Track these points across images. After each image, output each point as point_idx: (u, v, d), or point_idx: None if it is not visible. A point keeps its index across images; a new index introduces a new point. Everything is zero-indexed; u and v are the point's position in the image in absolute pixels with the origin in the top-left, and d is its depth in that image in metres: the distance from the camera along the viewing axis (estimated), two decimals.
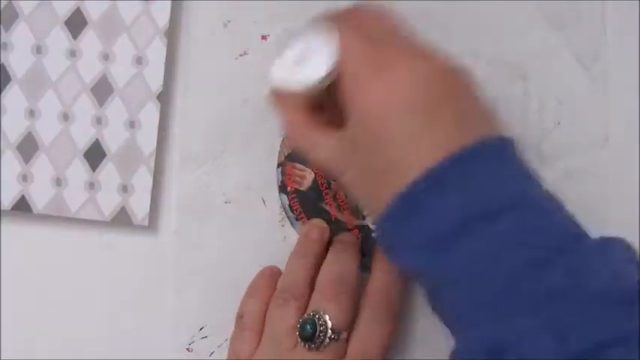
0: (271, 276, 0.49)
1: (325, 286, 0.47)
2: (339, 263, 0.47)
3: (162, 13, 0.50)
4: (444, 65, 0.40)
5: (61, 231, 0.50)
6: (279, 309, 0.46)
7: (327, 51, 0.40)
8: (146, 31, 0.50)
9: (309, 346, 0.45)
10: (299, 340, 0.45)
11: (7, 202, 0.48)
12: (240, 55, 0.51)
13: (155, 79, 0.50)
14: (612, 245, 0.38)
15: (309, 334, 0.44)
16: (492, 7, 0.52)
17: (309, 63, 0.41)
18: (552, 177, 0.51)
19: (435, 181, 0.37)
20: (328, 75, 0.40)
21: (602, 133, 0.52)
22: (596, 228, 0.51)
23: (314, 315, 0.45)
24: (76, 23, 0.49)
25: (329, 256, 0.48)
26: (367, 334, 0.46)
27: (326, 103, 0.42)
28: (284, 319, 0.46)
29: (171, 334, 0.50)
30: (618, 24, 0.52)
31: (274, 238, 0.51)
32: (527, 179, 0.39)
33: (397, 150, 0.38)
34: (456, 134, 0.38)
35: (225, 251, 0.51)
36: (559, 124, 0.52)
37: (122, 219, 0.49)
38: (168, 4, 0.50)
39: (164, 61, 0.50)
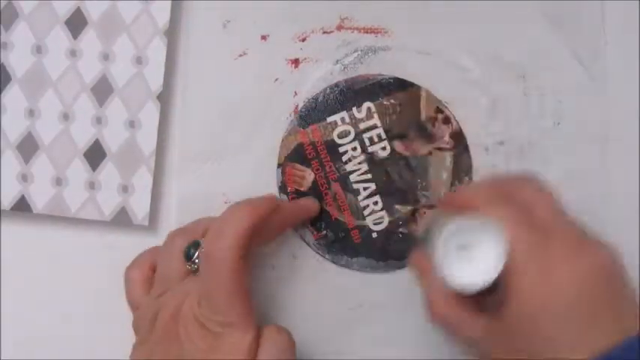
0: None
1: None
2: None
3: (162, 13, 0.50)
4: (606, 261, 0.40)
5: (61, 231, 0.50)
6: (164, 247, 0.46)
7: (495, 245, 0.39)
8: (146, 31, 0.50)
9: (191, 267, 0.44)
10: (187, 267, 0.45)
11: (7, 202, 0.48)
12: (240, 56, 0.51)
13: (155, 79, 0.50)
14: None
15: (190, 254, 0.44)
16: (492, 7, 0.52)
17: (477, 260, 0.39)
18: (552, 177, 0.51)
19: None
20: (499, 273, 0.39)
21: (602, 132, 0.52)
22: (596, 228, 0.51)
23: (199, 241, 0.45)
24: (76, 23, 0.49)
25: None
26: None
27: None
28: (169, 255, 0.46)
29: None
30: (618, 23, 0.52)
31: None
32: None
33: (558, 344, 0.38)
34: (615, 334, 0.38)
35: None
36: (559, 123, 0.51)
37: (122, 219, 0.49)
38: (169, 4, 0.50)
39: (164, 61, 0.50)
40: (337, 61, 0.52)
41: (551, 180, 0.50)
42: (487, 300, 0.41)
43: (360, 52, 0.52)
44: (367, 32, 0.52)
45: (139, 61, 0.50)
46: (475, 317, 0.41)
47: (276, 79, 0.51)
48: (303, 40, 0.51)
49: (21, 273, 0.50)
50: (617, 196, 0.51)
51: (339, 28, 0.52)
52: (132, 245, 0.49)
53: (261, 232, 0.45)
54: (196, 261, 0.44)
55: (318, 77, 0.51)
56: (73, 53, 0.49)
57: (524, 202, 0.41)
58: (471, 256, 0.39)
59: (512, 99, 0.52)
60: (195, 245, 0.45)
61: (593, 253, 0.40)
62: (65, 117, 0.49)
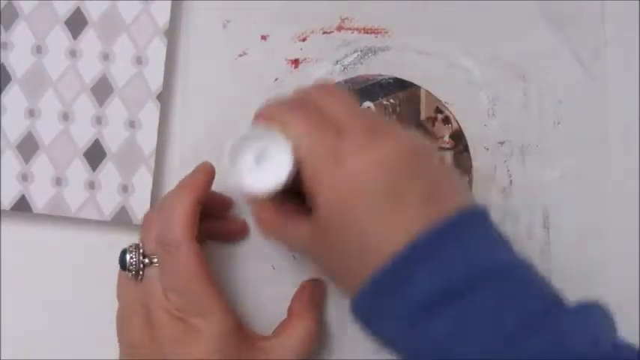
0: None
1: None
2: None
3: (162, 13, 0.50)
4: (403, 145, 0.40)
5: (61, 231, 0.50)
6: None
7: (283, 150, 0.40)
8: (146, 31, 0.50)
9: (132, 275, 0.44)
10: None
11: (7, 202, 0.48)
12: (240, 56, 0.51)
13: (155, 78, 0.50)
14: (591, 310, 0.38)
15: (123, 263, 0.44)
16: (492, 7, 0.52)
17: (268, 166, 0.41)
18: (552, 177, 0.51)
19: (417, 253, 0.37)
20: (289, 175, 0.40)
21: (601, 132, 0.52)
22: (596, 228, 0.51)
23: (130, 245, 0.45)
24: (76, 23, 0.49)
25: None
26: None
27: (291, 189, 0.42)
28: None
29: None
30: (618, 24, 0.52)
31: None
32: (501, 247, 0.39)
33: (367, 234, 0.39)
34: (425, 211, 0.38)
35: (225, 251, 0.51)
36: (559, 123, 0.52)
37: (122, 218, 0.49)
38: (169, 4, 0.50)
39: (164, 60, 0.50)
40: (337, 62, 0.52)
41: (551, 180, 0.51)
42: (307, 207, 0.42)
43: (360, 53, 0.52)
44: (367, 32, 0.52)
45: (138, 61, 0.50)
46: (298, 222, 0.42)
47: (276, 79, 0.51)
48: (303, 40, 0.52)
49: (21, 273, 0.50)
50: (617, 196, 0.51)
51: (339, 28, 0.52)
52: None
53: (208, 205, 0.46)
54: (132, 267, 0.44)
55: (318, 77, 0.52)
56: (73, 53, 0.49)
57: (315, 105, 0.41)
58: (265, 164, 0.41)
59: (512, 99, 0.52)
60: (124, 251, 0.44)
61: (387, 140, 0.40)
62: (65, 117, 0.49)
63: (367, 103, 0.51)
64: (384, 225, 0.38)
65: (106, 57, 0.49)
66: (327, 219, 0.40)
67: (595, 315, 0.38)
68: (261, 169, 0.41)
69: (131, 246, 0.44)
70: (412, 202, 0.38)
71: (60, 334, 0.49)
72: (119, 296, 0.46)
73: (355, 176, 0.39)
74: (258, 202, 0.44)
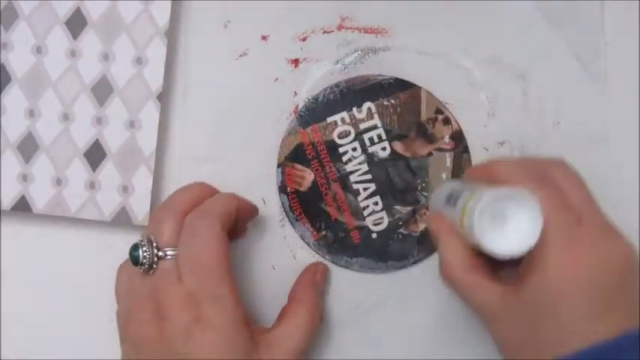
0: None
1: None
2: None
3: (162, 13, 0.50)
4: (630, 253, 0.41)
5: (61, 231, 0.50)
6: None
7: (532, 213, 0.40)
8: (146, 31, 0.50)
9: (144, 270, 0.44)
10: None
11: (7, 202, 0.48)
12: (240, 56, 0.51)
13: (155, 79, 0.50)
14: None
15: (135, 257, 0.44)
16: (492, 7, 0.52)
17: (515, 227, 0.40)
18: None
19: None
20: (537, 239, 0.40)
21: (601, 132, 0.52)
22: None
23: (140, 240, 0.44)
24: (76, 23, 0.49)
25: None
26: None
27: None
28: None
29: None
30: (617, 23, 0.52)
31: (274, 238, 0.51)
32: None
33: (569, 324, 0.39)
34: (623, 324, 0.39)
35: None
36: (559, 123, 0.51)
37: (122, 219, 0.49)
38: (168, 4, 0.50)
39: (164, 61, 0.50)
40: (337, 61, 0.52)
41: None
42: (504, 271, 0.42)
43: (360, 52, 0.52)
44: (367, 32, 0.52)
45: (138, 61, 0.50)
46: (491, 284, 0.42)
47: (277, 79, 0.51)
48: (304, 40, 0.51)
49: (21, 273, 0.50)
50: (617, 196, 0.51)
51: (340, 27, 0.52)
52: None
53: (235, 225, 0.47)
54: (145, 260, 0.43)
55: (318, 77, 0.51)
56: (73, 53, 0.49)
57: (557, 184, 0.42)
58: (507, 225, 0.40)
59: (512, 99, 0.52)
60: (135, 246, 0.44)
61: (620, 244, 0.41)
62: (65, 117, 0.49)
63: (367, 104, 0.51)
64: (589, 322, 0.39)
65: (105, 57, 0.49)
66: (536, 295, 0.40)
67: None
68: (506, 230, 0.40)
69: (142, 241, 0.44)
70: (618, 311, 0.39)
71: (59, 334, 0.50)
72: (122, 294, 0.46)
73: (585, 267, 0.39)
74: (460, 257, 0.43)
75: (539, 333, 0.40)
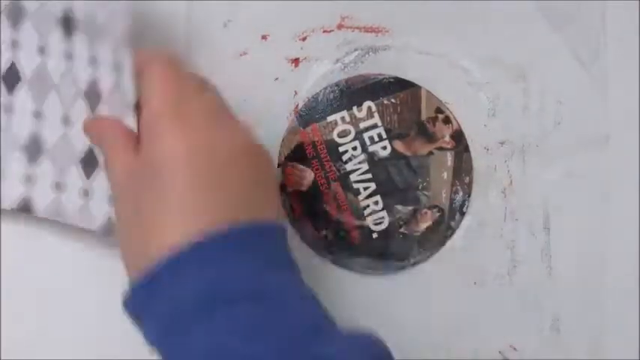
0: None
1: None
2: None
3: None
4: (242, 142, 0.41)
5: (61, 231, 0.50)
6: None
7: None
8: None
9: None
10: None
11: (10, 202, 0.48)
12: (240, 55, 0.51)
13: None
14: (357, 339, 0.38)
15: None
16: (492, 7, 0.52)
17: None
18: (552, 177, 0.51)
19: (181, 260, 0.37)
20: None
21: (602, 132, 0.52)
22: (596, 228, 0.51)
23: None
24: (68, 24, 0.48)
25: None
26: None
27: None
28: None
29: None
30: (618, 23, 0.52)
31: None
32: (276, 270, 0.38)
33: (169, 205, 0.38)
34: (224, 213, 0.38)
35: None
36: (559, 124, 0.52)
37: (111, 230, 0.48)
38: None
39: None
40: (337, 60, 0.52)
41: (551, 180, 0.51)
42: None
43: (360, 52, 0.52)
44: (368, 31, 0.52)
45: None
46: (127, 153, 0.41)
47: (277, 79, 0.51)
48: (304, 39, 0.51)
49: (21, 273, 0.50)
50: (617, 196, 0.51)
51: (340, 27, 0.52)
52: None
53: None
54: None
55: (318, 76, 0.52)
56: (69, 55, 0.48)
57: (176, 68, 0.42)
58: None
59: (512, 99, 0.52)
60: None
61: (232, 129, 0.41)
62: (66, 121, 0.49)
63: (368, 103, 0.51)
64: (187, 209, 0.38)
65: (93, 61, 0.48)
66: (144, 162, 0.39)
67: (360, 344, 0.38)
68: None
69: None
70: (220, 198, 0.38)
71: (59, 334, 0.49)
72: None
73: (191, 139, 0.39)
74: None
75: (141, 207, 0.39)
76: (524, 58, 0.52)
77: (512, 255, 0.51)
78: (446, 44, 0.52)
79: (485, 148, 0.51)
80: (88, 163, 0.49)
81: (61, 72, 0.48)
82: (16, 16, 0.48)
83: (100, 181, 0.48)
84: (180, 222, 0.38)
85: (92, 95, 0.48)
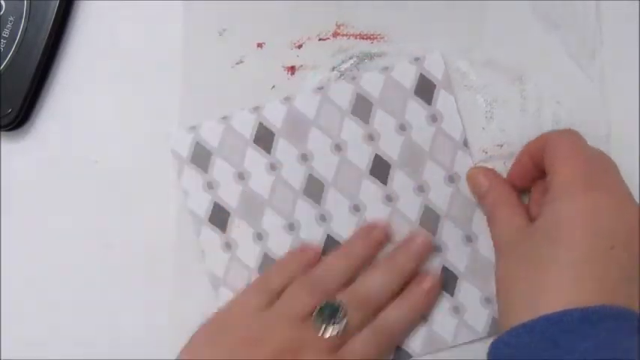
0: (306, 262, 0.50)
1: (355, 294, 0.47)
2: (380, 284, 0.48)
3: None
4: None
5: (62, 231, 0.51)
6: (303, 290, 0.47)
7: None
8: None
9: (319, 326, 0.45)
10: (313, 322, 0.46)
11: None
12: (237, 63, 0.52)
13: None
14: None
15: (325, 316, 0.46)
16: (488, 9, 0.52)
17: None
18: None
19: (564, 322, 0.39)
20: None
21: (600, 132, 0.51)
22: None
23: (338, 304, 0.46)
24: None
25: (375, 272, 0.49)
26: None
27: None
28: (304, 300, 0.47)
29: (170, 337, 0.50)
30: (614, 23, 0.51)
31: None
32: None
33: (562, 269, 0.40)
34: (610, 292, 0.40)
35: None
36: (557, 124, 0.51)
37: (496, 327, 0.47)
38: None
39: None
40: (334, 68, 0.52)
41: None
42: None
43: (356, 59, 0.52)
44: (363, 38, 0.52)
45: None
46: (515, 217, 0.45)
47: (273, 87, 0.52)
48: (300, 47, 0.52)
49: (21, 272, 0.51)
50: None
51: (335, 34, 0.52)
52: (133, 246, 0.50)
53: None
54: (336, 328, 0.46)
55: (314, 84, 0.52)
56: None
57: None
58: None
59: (509, 101, 0.51)
60: (332, 309, 0.46)
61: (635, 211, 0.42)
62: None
63: None
64: (570, 280, 0.40)
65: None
66: (542, 223, 0.42)
67: None
68: None
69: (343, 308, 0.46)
70: (614, 276, 0.40)
71: (59, 334, 0.50)
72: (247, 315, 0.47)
73: (595, 207, 0.41)
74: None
75: (532, 264, 0.41)
76: (520, 59, 0.51)
77: None
78: (442, 48, 0.52)
79: (484, 151, 0.51)
80: None
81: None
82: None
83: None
84: (568, 288, 0.40)
85: None
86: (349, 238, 0.50)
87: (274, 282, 0.48)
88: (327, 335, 0.45)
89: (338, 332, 0.45)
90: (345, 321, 0.46)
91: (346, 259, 0.49)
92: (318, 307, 0.46)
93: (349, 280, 0.48)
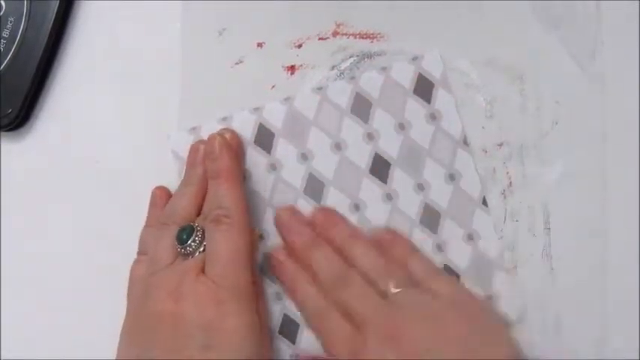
0: (161, 203, 0.50)
1: (208, 211, 0.47)
2: (222, 195, 0.47)
3: None
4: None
5: (62, 231, 0.51)
6: (159, 231, 0.47)
7: None
8: None
9: (182, 250, 0.45)
10: (177, 254, 0.46)
11: None
12: (236, 63, 0.52)
13: None
14: None
15: (183, 239, 0.45)
16: (487, 8, 0.52)
17: None
18: (551, 177, 0.51)
19: None
20: None
21: (600, 132, 0.51)
22: (596, 228, 0.51)
23: (194, 226, 0.46)
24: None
25: (210, 187, 0.48)
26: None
27: None
28: (162, 239, 0.46)
29: None
30: (614, 23, 0.51)
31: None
32: None
33: None
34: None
35: None
36: (557, 124, 0.51)
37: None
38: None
39: None
40: (333, 67, 0.52)
41: (550, 180, 0.51)
42: None
43: (356, 58, 0.52)
44: (363, 37, 0.52)
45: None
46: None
47: (273, 86, 0.52)
48: (299, 46, 0.52)
49: (21, 273, 0.51)
50: (617, 196, 0.51)
51: (335, 34, 0.52)
52: (132, 246, 0.50)
53: None
54: (191, 245, 0.45)
55: (314, 84, 0.52)
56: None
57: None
58: None
59: (509, 100, 0.52)
60: (188, 230, 0.45)
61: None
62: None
63: None
64: None
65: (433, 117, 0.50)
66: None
67: None
68: None
69: (187, 228, 0.45)
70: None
71: (60, 333, 0.50)
72: (139, 278, 0.47)
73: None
74: None
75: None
76: (520, 58, 0.52)
77: (512, 256, 0.51)
78: (442, 47, 0.52)
79: (483, 150, 0.51)
80: None
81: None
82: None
83: None
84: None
85: None
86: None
87: (143, 243, 0.50)
88: (194, 258, 0.45)
89: (203, 247, 0.45)
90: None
91: (189, 185, 0.49)
92: (176, 234, 0.45)
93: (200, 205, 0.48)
